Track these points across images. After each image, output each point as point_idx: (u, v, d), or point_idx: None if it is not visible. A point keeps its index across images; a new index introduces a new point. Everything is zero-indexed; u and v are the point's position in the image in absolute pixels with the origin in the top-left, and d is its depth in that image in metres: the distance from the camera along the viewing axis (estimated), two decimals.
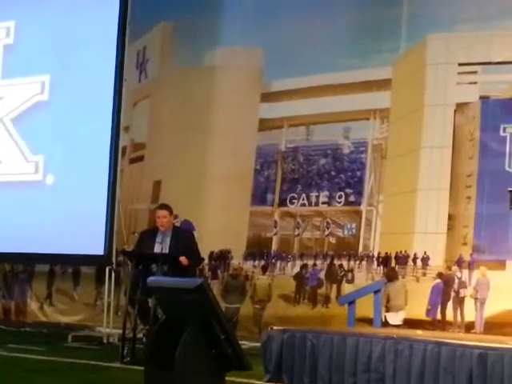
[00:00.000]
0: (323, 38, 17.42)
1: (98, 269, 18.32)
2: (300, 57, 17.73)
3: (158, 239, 11.79)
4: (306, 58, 17.66)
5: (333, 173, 17.93)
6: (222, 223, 18.26)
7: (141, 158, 20.62)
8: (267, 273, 17.03)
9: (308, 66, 17.69)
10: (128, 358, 11.03)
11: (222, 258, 18.02)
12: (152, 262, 11.22)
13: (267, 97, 18.65)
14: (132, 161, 20.75)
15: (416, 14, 17.03)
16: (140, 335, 11.40)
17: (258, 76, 18.82)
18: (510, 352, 7.41)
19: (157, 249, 11.72)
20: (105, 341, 14.92)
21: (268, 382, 8.85)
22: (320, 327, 9.80)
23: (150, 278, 8.39)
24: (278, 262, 17.74)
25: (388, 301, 11.58)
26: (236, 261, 17.79)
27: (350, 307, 11.32)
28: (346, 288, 15.78)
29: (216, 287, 16.64)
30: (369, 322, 11.87)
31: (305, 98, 18.31)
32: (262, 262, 17.58)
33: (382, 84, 17.31)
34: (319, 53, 17.47)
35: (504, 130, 15.89)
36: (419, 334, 9.49)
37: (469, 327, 13.81)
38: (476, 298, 13.78)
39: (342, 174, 17.87)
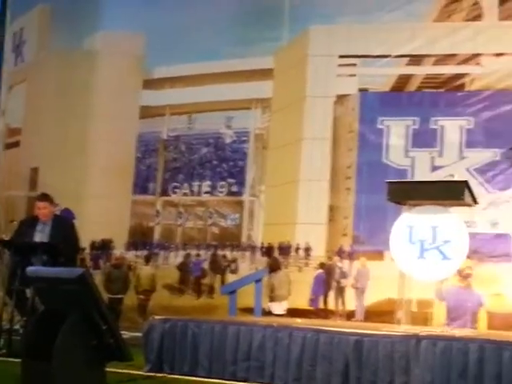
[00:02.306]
0: (206, 26, 17.30)
1: None
2: (182, 44, 17.54)
3: (39, 228, 11.43)
4: (189, 45, 17.49)
5: (215, 162, 17.87)
6: (103, 212, 17.87)
7: (17, 144, 19.92)
8: (150, 263, 16.81)
9: (191, 54, 17.54)
10: (4, 350, 10.60)
11: (103, 247, 17.66)
12: (31, 251, 10.82)
13: (149, 83, 18.37)
14: (7, 146, 20.05)
15: (299, 4, 17.16)
16: (17, 326, 11.00)
17: (140, 62, 18.51)
18: (385, 338, 7.60)
19: (36, 238, 11.34)
20: None
21: (148, 372, 8.72)
22: (205, 317, 9.70)
23: (30, 268, 8.07)
24: (162, 252, 17.54)
25: (272, 291, 11.60)
26: (118, 250, 17.47)
27: (232, 296, 11.28)
28: (230, 278, 15.77)
29: (98, 277, 16.26)
30: (253, 311, 11.87)
31: (187, 85, 18.16)
32: (145, 252, 17.35)
33: (264, 74, 17.36)
34: (202, 40, 17.33)
35: (381, 122, 16.25)
36: (299, 322, 9.57)
37: (350, 316, 14.09)
38: (356, 288, 14.06)
39: (224, 164, 17.83)
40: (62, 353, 6.72)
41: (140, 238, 17.80)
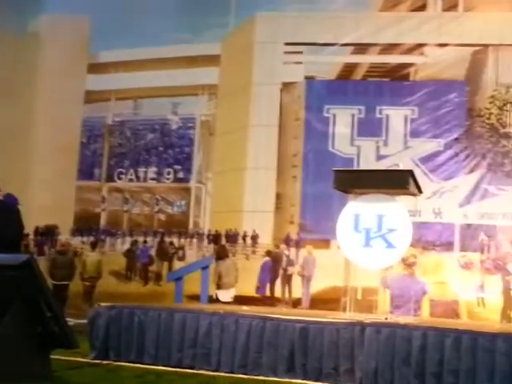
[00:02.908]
0: (153, 11, 17.15)
1: None
2: (129, 28, 17.36)
3: None
4: (135, 30, 17.32)
5: (161, 148, 17.78)
6: (47, 197, 17.63)
7: None
8: (96, 249, 16.64)
9: (137, 38, 17.37)
10: None
11: (48, 233, 17.44)
12: None
13: (94, 68, 18.16)
14: None
15: None
16: None
17: (85, 46, 18.27)
18: (330, 326, 7.65)
19: None
20: None
21: (94, 359, 8.62)
22: (152, 304, 9.65)
23: None
24: (108, 239, 17.41)
25: (219, 278, 11.60)
26: (63, 236, 17.25)
27: (178, 283, 11.24)
28: (178, 265, 15.76)
29: (43, 264, 16.02)
30: (198, 298, 11.86)
31: (133, 70, 18.01)
32: (91, 238, 17.16)
33: (211, 60, 17.31)
34: (149, 25, 17.18)
35: (328, 110, 16.34)
36: (245, 309, 9.57)
37: (296, 303, 14.20)
38: (303, 276, 14.16)
39: (170, 150, 17.76)
40: (4, 341, 6.61)
41: (86, 224, 17.65)
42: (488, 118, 15.73)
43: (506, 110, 15.68)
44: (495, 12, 15.64)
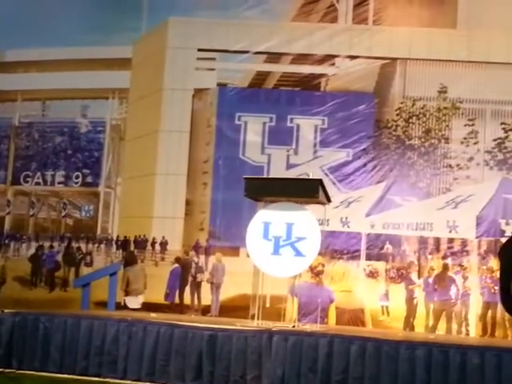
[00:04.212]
0: (63, 10, 16.88)
1: None
2: (38, 27, 17.03)
3: None
4: (45, 29, 17.02)
5: (69, 152, 17.50)
6: None
7: None
8: (0, 254, 16.25)
9: (47, 38, 17.06)
10: None
11: None
12: None
13: (1, 67, 17.70)
14: None
15: None
16: None
17: None
18: (239, 333, 7.69)
19: None
20: None
21: None
22: (58, 311, 9.47)
23: None
24: (12, 243, 16.99)
25: (127, 285, 11.46)
26: None
27: (85, 289, 11.07)
28: (85, 271, 15.51)
29: None
30: (105, 305, 11.71)
31: (41, 71, 17.69)
32: None
33: (123, 63, 17.15)
34: (60, 25, 16.91)
35: (239, 118, 16.43)
36: (153, 316, 9.50)
37: (205, 311, 14.16)
38: (212, 283, 14.13)
39: (79, 154, 17.49)
40: None
41: None
42: (395, 130, 16.12)
43: (412, 123, 16.09)
44: (403, 27, 16.05)
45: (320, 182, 8.54)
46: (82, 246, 16.32)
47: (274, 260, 8.42)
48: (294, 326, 8.04)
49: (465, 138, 15.82)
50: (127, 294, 11.70)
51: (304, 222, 8.47)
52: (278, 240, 8.42)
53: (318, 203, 8.86)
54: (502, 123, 15.84)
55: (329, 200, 8.90)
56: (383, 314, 13.85)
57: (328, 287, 9.31)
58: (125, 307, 11.41)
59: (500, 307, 11.92)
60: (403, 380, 7.09)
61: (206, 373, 7.85)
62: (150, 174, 16.33)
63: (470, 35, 15.88)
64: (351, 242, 14.49)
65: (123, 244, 15.88)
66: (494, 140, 15.81)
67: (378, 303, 13.89)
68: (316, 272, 8.96)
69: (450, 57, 15.93)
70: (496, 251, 12.97)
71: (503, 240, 12.20)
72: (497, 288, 11.82)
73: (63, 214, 16.86)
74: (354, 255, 14.45)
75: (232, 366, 7.76)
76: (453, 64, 15.93)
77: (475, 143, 15.81)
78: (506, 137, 15.77)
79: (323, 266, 9.04)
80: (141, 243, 15.75)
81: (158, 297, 13.74)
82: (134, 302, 11.66)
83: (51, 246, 16.33)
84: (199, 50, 16.73)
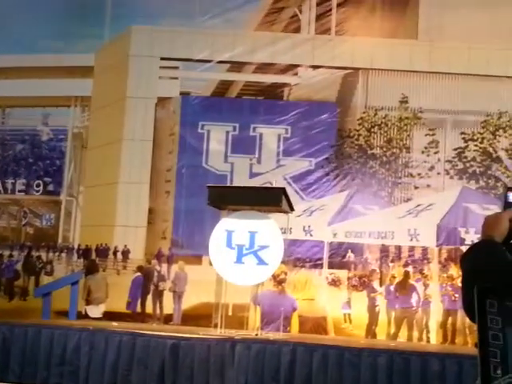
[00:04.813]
0: (24, 16, 16.71)
1: None
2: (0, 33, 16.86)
3: None
4: (6, 36, 16.82)
5: (30, 160, 17.33)
6: None
7: None
8: None
9: (7, 45, 16.87)
10: None
11: None
12: None
13: None
14: None
15: (121, 3, 17.00)
16: None
17: None
18: (201, 342, 7.69)
19: None
20: None
21: None
22: (17, 320, 9.37)
23: None
24: None
25: (89, 294, 11.37)
26: None
27: (46, 299, 10.99)
28: (46, 280, 15.30)
29: None
30: (66, 314, 11.62)
31: (2, 78, 17.49)
32: None
33: (85, 71, 17.04)
34: (20, 32, 16.73)
35: (202, 127, 16.42)
36: (115, 325, 9.46)
37: (167, 319, 14.09)
38: (174, 291, 14.08)
39: (40, 162, 17.33)
40: None
41: None
42: (357, 139, 16.24)
43: (374, 132, 16.23)
44: (366, 37, 16.20)
45: (283, 190, 8.59)
46: (43, 254, 16.12)
47: (237, 268, 8.44)
48: (256, 335, 8.07)
49: (426, 148, 15.99)
50: (88, 302, 11.65)
51: (267, 231, 8.52)
52: (241, 248, 8.45)
53: (281, 212, 8.91)
54: (461, 133, 16.05)
55: (292, 209, 8.96)
56: (345, 321, 13.93)
57: (291, 295, 9.38)
58: (86, 316, 11.35)
59: (460, 314, 12.06)
60: None
61: (169, 382, 7.84)
62: (112, 183, 16.23)
63: (431, 46, 16.07)
64: (314, 251, 14.55)
65: (85, 253, 15.73)
66: (455, 149, 16.01)
67: (341, 311, 13.97)
68: (279, 280, 9.02)
69: (412, 67, 16.10)
70: (456, 259, 13.12)
71: (463, 248, 12.36)
72: (457, 295, 11.96)
73: (23, 222, 16.66)
74: (316, 263, 14.50)
75: (195, 374, 7.76)
76: (414, 74, 16.10)
77: (436, 153, 15.99)
78: (466, 146, 15.98)
79: (286, 274, 9.11)
80: (102, 252, 15.63)
81: (120, 306, 13.66)
82: (95, 310, 11.61)
83: (11, 255, 16.10)
84: (162, 58, 16.69)
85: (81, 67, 17.12)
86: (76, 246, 16.17)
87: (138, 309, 14.09)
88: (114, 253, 15.65)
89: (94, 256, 15.56)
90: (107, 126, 16.87)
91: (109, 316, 11.33)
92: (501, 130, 15.91)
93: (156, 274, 14.27)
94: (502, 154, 15.91)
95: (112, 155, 16.41)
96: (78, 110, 17.62)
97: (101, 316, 11.31)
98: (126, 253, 15.61)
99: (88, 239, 16.08)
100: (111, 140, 16.64)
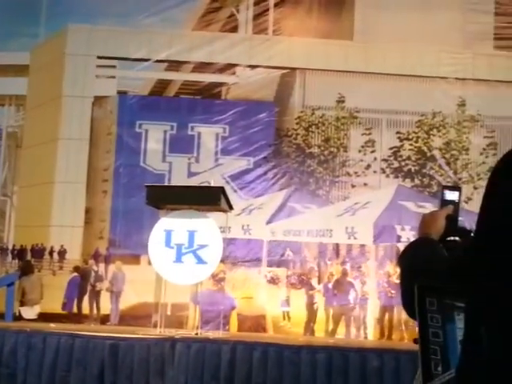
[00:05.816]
0: None
1: None
2: None
3: None
4: None
5: None
6: None
7: None
8: None
9: None
10: None
11: None
12: None
13: None
14: None
15: (58, 1, 16.80)
16: None
17: None
18: (141, 342, 7.65)
19: None
20: None
21: None
22: None
23: None
24: None
25: (23, 295, 11.19)
26: None
27: None
28: None
29: None
30: (2, 316, 11.43)
31: None
32: None
33: (20, 69, 16.81)
34: None
35: (140, 126, 16.34)
36: (53, 327, 9.34)
37: (104, 320, 13.95)
38: (112, 291, 13.96)
39: None
40: None
41: None
42: (295, 139, 16.37)
43: (312, 132, 16.38)
44: (302, 37, 16.33)
45: (222, 189, 8.60)
46: None
47: (177, 268, 8.42)
48: (196, 334, 8.06)
49: (362, 147, 16.21)
50: (22, 304, 11.46)
51: (206, 230, 8.52)
52: (180, 248, 8.43)
53: (219, 211, 8.92)
54: (397, 132, 16.31)
55: (230, 207, 8.97)
56: (284, 319, 14.02)
57: (230, 294, 9.40)
58: (20, 318, 11.16)
59: (396, 310, 12.26)
60: None
61: (109, 382, 7.78)
62: (48, 182, 16.02)
63: (367, 47, 16.29)
64: (253, 249, 14.61)
65: (20, 253, 15.49)
66: (390, 148, 16.26)
67: (279, 309, 14.05)
68: (218, 279, 9.03)
69: (348, 67, 16.30)
70: (392, 256, 13.32)
71: (399, 245, 12.56)
72: (394, 292, 12.14)
73: None
74: (255, 262, 14.57)
75: (135, 374, 7.71)
76: (350, 74, 16.30)
77: (372, 151, 16.22)
78: (401, 145, 16.25)
79: (225, 273, 9.13)
80: (38, 252, 15.41)
81: (55, 306, 13.48)
82: (29, 312, 11.43)
83: None
84: (99, 57, 16.55)
85: (15, 66, 16.89)
86: (11, 247, 15.93)
87: (75, 309, 13.93)
88: (50, 253, 15.45)
89: (29, 256, 15.33)
90: (43, 124, 16.64)
91: (44, 317, 11.16)
92: (435, 130, 16.22)
93: (93, 274, 14.13)
94: (436, 153, 16.23)
95: (48, 154, 16.20)
96: (13, 109, 17.37)
97: (35, 317, 11.15)
98: (62, 253, 15.42)
99: (23, 239, 15.85)
100: (47, 139, 16.42)
